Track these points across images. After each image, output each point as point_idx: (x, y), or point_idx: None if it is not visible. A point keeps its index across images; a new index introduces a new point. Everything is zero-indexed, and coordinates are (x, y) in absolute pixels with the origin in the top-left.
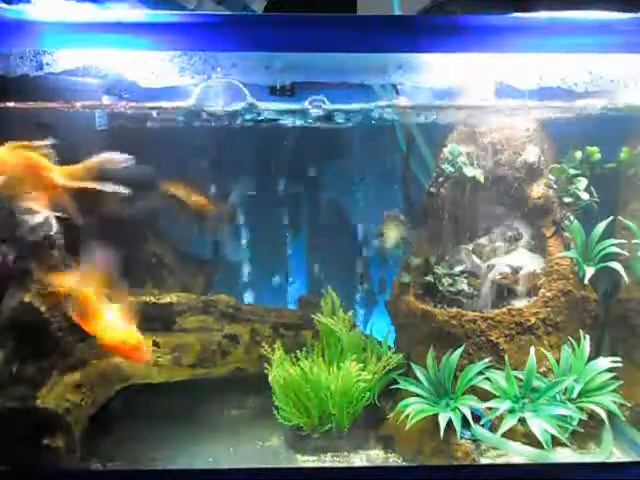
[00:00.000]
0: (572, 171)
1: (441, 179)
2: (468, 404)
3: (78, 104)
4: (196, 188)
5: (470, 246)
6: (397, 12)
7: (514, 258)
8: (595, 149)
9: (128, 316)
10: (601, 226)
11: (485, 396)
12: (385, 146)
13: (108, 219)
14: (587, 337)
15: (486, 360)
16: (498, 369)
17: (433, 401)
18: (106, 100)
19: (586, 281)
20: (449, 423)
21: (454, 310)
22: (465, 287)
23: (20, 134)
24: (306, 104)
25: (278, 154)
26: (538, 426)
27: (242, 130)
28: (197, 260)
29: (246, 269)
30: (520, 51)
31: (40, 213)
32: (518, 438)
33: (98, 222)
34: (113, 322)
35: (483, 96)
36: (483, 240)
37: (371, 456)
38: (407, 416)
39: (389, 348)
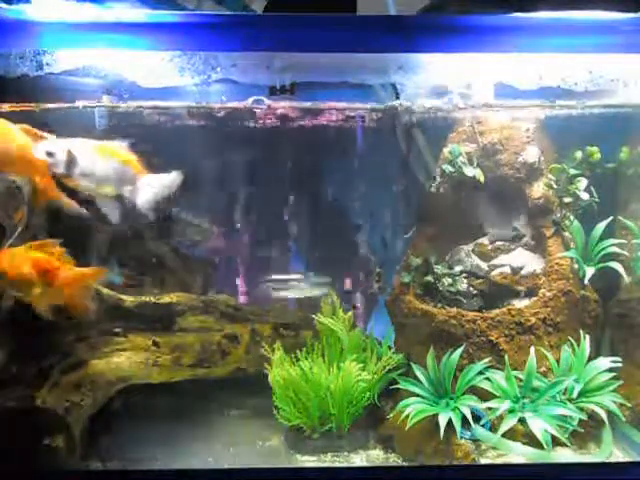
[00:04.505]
0: (572, 171)
1: (441, 179)
2: (468, 404)
3: (80, 104)
4: None
5: (470, 246)
6: (392, 12)
7: (514, 258)
8: (595, 149)
9: None
10: (601, 226)
11: (485, 396)
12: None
13: None
14: (587, 337)
15: (486, 360)
16: (498, 369)
17: (433, 401)
18: (106, 100)
19: (586, 281)
20: (449, 423)
21: (454, 310)
22: (465, 287)
23: None
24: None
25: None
26: (538, 426)
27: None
28: (197, 260)
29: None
30: (520, 51)
31: None
32: (518, 438)
33: None
34: None
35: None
36: (483, 240)
37: (371, 456)
38: (407, 416)
39: (389, 348)
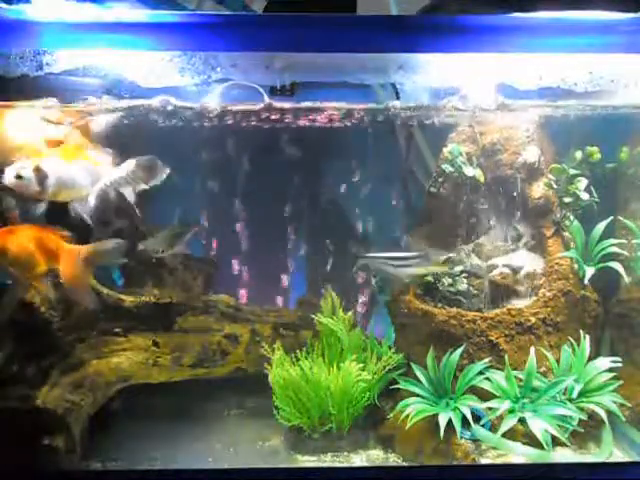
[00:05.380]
0: (572, 171)
1: (441, 179)
2: (468, 404)
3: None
4: None
5: (470, 246)
6: (394, 12)
7: (514, 258)
8: (595, 149)
9: None
10: (601, 226)
11: (485, 396)
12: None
13: None
14: (587, 337)
15: (486, 360)
16: (498, 369)
17: (433, 401)
18: (106, 100)
19: (586, 281)
20: (449, 423)
21: (454, 310)
22: (465, 287)
23: None
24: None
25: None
26: (538, 426)
27: None
28: (197, 260)
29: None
30: (520, 51)
31: None
32: (518, 438)
33: None
34: None
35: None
36: (483, 240)
37: (371, 456)
38: (407, 416)
39: (389, 348)
